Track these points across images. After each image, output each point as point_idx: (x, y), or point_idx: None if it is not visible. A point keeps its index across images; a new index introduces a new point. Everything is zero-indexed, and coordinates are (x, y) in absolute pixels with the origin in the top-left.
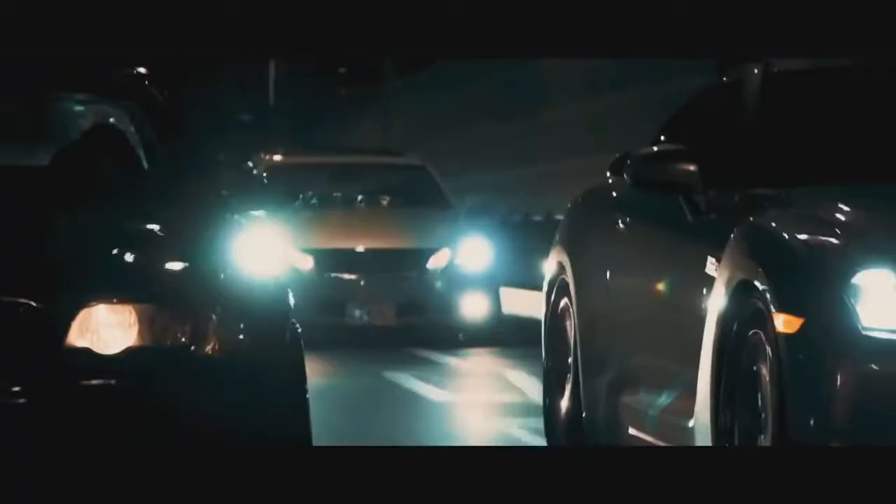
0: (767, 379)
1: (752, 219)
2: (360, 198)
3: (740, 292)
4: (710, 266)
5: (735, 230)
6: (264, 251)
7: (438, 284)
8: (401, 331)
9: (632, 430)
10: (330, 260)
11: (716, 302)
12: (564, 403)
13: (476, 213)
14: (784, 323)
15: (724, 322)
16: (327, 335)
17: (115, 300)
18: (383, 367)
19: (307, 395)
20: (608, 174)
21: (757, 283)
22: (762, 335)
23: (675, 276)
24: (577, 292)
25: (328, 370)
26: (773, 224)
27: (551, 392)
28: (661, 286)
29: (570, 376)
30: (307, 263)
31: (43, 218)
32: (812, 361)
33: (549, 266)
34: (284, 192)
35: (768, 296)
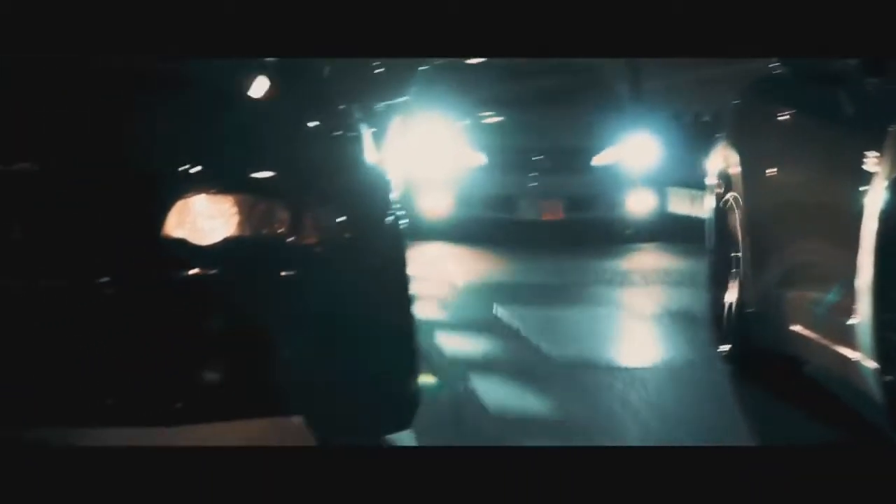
0: None
1: None
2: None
3: None
4: (871, 160)
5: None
6: (434, 148)
7: (606, 181)
8: (569, 226)
9: (795, 327)
10: (501, 157)
11: (876, 198)
12: (728, 298)
13: (645, 112)
14: None
15: (884, 219)
16: (496, 230)
17: (212, 190)
18: (552, 261)
19: (409, 286)
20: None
21: None
22: None
23: (836, 170)
24: (742, 186)
25: (496, 264)
26: None
27: (716, 286)
28: (822, 181)
29: (734, 271)
30: (479, 160)
31: (142, 108)
32: None
33: (714, 159)
34: (454, 90)
35: None
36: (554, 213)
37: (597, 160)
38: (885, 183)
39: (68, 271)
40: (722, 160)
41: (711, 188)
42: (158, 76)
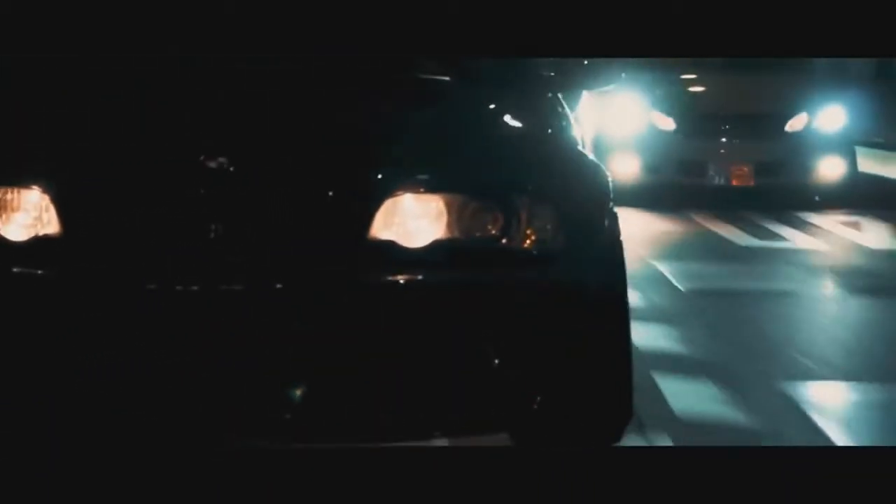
0: None
1: None
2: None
3: None
4: None
5: None
6: (626, 114)
7: (796, 147)
8: (759, 191)
9: None
10: (692, 122)
11: None
12: None
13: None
14: None
15: None
16: (688, 194)
17: (422, 189)
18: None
19: (625, 287)
20: None
21: None
22: None
23: None
24: None
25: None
26: None
27: None
28: None
29: None
30: (669, 125)
31: (348, 100)
32: None
33: None
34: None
35: None
36: (744, 179)
37: (788, 126)
38: None
39: (273, 274)
40: None
41: None
42: (365, 74)
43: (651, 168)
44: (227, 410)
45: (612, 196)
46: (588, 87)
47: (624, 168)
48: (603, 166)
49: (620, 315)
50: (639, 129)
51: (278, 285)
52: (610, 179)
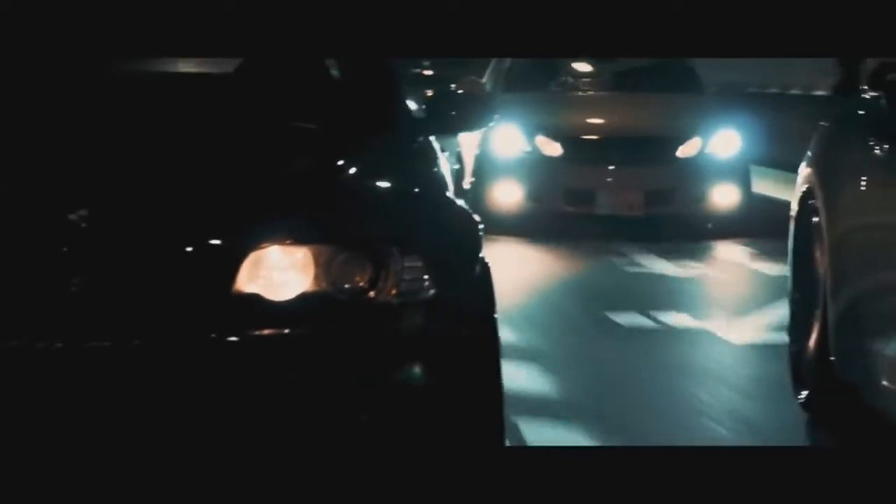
0: None
1: None
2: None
3: None
4: None
5: None
6: (509, 138)
7: (688, 174)
8: (648, 220)
9: (886, 383)
10: (579, 147)
11: None
12: (812, 343)
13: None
14: None
15: None
16: (574, 224)
17: (288, 241)
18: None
19: (496, 339)
20: (865, 87)
21: None
22: None
23: None
24: (827, 221)
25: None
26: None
27: (798, 330)
28: None
29: (818, 312)
30: (555, 150)
31: (212, 149)
32: None
33: (798, 187)
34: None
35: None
36: (633, 208)
37: (680, 152)
38: None
39: (132, 332)
40: (805, 189)
41: (795, 219)
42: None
43: (535, 196)
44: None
45: (482, 245)
46: (460, 131)
47: (506, 196)
48: (472, 214)
49: (491, 367)
50: (522, 153)
51: (137, 342)
52: (481, 229)
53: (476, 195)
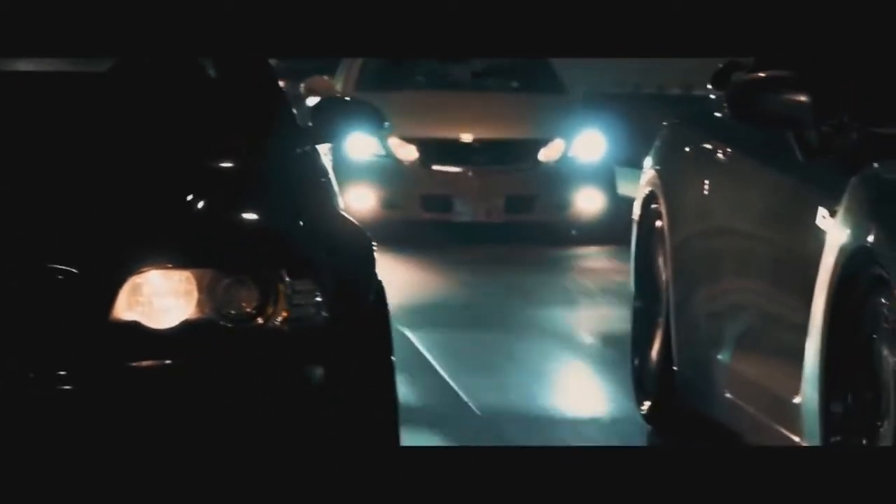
0: (890, 359)
1: (874, 165)
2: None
3: (858, 255)
4: (822, 218)
5: (853, 178)
6: (362, 140)
7: (551, 178)
8: (510, 228)
9: (729, 395)
10: (436, 151)
11: (828, 261)
12: (653, 350)
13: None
14: None
15: (837, 285)
16: (432, 232)
17: (169, 265)
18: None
19: (393, 364)
20: (710, 86)
21: (878, 249)
22: (885, 309)
23: (781, 224)
24: (670, 226)
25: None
26: None
27: (639, 334)
28: (764, 234)
29: (660, 319)
30: (411, 153)
31: (85, 169)
32: None
33: (640, 192)
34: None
35: (890, 266)
36: (493, 214)
37: (542, 155)
38: (837, 248)
39: (4, 364)
40: (647, 194)
41: (638, 223)
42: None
43: (389, 203)
44: None
45: (375, 265)
46: (347, 136)
47: (358, 203)
48: (366, 233)
49: (389, 394)
50: (375, 157)
51: (10, 374)
52: (374, 246)
53: None
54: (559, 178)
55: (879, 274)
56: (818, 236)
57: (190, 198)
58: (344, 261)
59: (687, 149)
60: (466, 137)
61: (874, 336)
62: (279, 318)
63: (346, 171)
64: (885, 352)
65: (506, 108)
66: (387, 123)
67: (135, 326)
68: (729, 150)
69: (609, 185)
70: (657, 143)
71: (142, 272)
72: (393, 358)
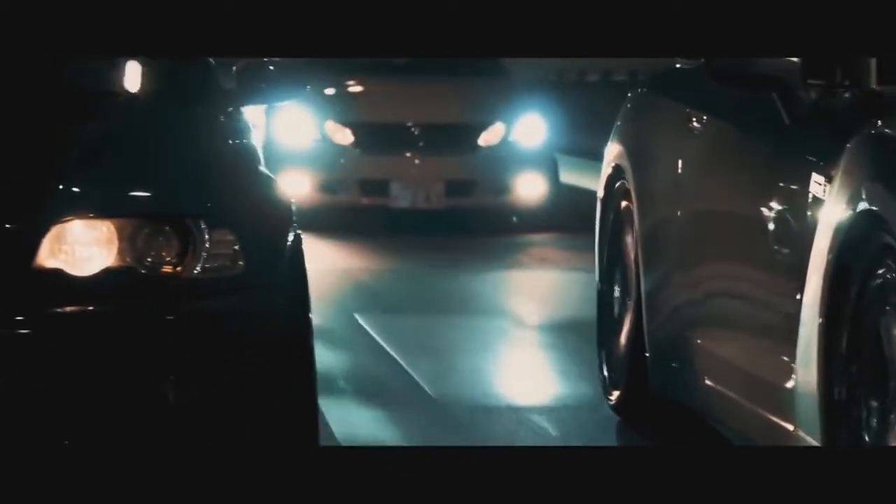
0: None
1: (876, 122)
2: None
3: (861, 222)
4: (817, 185)
5: (853, 138)
6: (298, 124)
7: (491, 163)
8: (449, 213)
9: (710, 382)
10: (373, 135)
11: (825, 231)
12: (622, 336)
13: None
14: None
15: (836, 257)
16: (369, 218)
17: (91, 214)
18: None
19: (308, 314)
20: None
21: (886, 214)
22: (893, 279)
23: (769, 195)
24: (639, 204)
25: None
26: None
27: (606, 319)
28: (749, 206)
29: (630, 303)
30: (347, 137)
31: (9, 119)
32: None
33: (605, 168)
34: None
35: None
36: (432, 200)
37: (482, 139)
38: (836, 217)
39: None
40: (613, 170)
41: (602, 203)
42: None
43: (327, 187)
44: None
45: (294, 216)
46: (271, 101)
47: (296, 187)
48: (283, 187)
49: (304, 343)
50: (312, 141)
51: None
52: (293, 201)
53: None
54: (499, 163)
55: (887, 242)
56: (812, 206)
57: (111, 149)
58: (262, 213)
59: (657, 118)
60: (404, 121)
61: (881, 311)
62: (198, 268)
63: (283, 156)
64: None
65: (444, 91)
66: (308, 87)
67: (57, 273)
68: (705, 117)
69: (551, 170)
70: (623, 113)
71: (65, 221)
72: (311, 315)
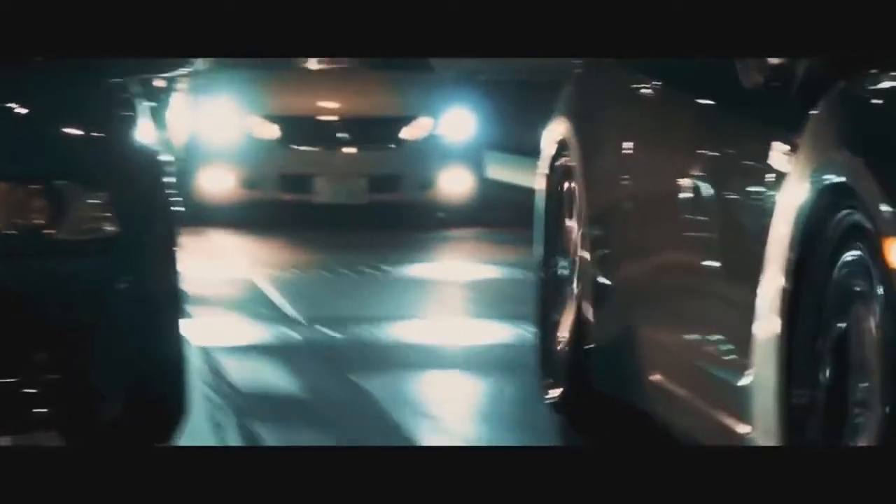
0: (875, 329)
1: (847, 85)
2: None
3: (828, 196)
4: (779, 156)
5: (820, 102)
6: (221, 119)
7: (416, 157)
8: (373, 209)
9: (656, 377)
10: (296, 129)
11: (787, 208)
12: (562, 328)
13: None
14: None
15: (800, 238)
16: (291, 213)
17: None
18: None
19: (178, 279)
20: None
21: (858, 187)
22: (866, 263)
23: (725, 168)
24: (585, 182)
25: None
26: (881, 95)
27: (546, 311)
28: (703, 181)
29: (573, 293)
30: (271, 132)
31: None
32: None
33: (547, 145)
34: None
35: (878, 208)
36: (356, 195)
37: (407, 133)
38: (801, 191)
39: None
40: (556, 146)
41: (544, 183)
42: None
43: (249, 182)
44: None
45: (166, 183)
46: (152, 72)
47: (218, 183)
48: (161, 155)
49: (174, 308)
50: (234, 135)
51: None
52: (166, 164)
53: (182, 181)
54: (425, 158)
55: (857, 220)
56: (773, 179)
57: None
58: (133, 175)
59: (605, 90)
60: (327, 115)
61: (850, 303)
62: (71, 231)
63: (205, 151)
64: (868, 320)
65: (368, 85)
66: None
67: None
68: (658, 85)
69: (477, 163)
70: (568, 86)
71: None
72: (180, 279)
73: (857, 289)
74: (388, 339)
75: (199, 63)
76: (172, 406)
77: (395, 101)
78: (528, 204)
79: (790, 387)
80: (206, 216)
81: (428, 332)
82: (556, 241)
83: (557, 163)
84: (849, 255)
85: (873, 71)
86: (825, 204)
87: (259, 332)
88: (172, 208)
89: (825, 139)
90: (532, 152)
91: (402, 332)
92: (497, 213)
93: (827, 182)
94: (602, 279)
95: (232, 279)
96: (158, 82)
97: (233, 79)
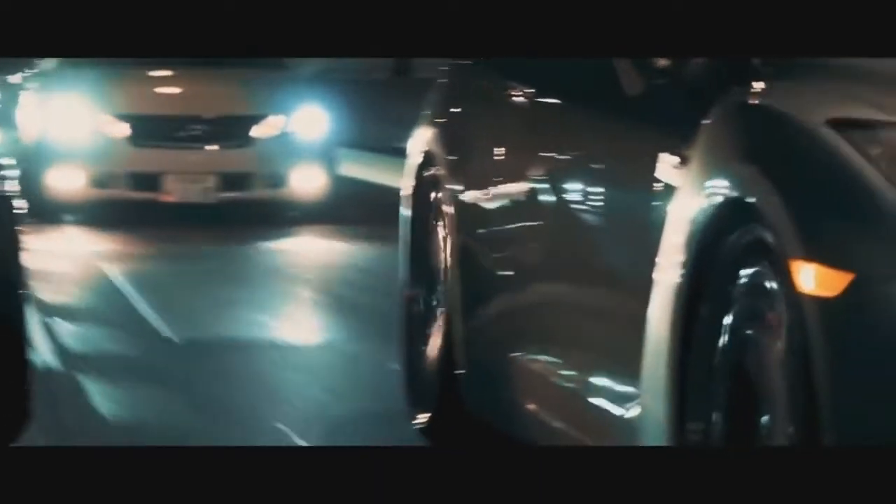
0: (779, 356)
1: (745, 90)
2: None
3: (725, 212)
4: (667, 167)
5: (714, 111)
6: (71, 117)
7: (267, 155)
8: (223, 207)
9: (532, 406)
10: (145, 127)
11: (677, 225)
12: (429, 350)
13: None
14: (816, 278)
15: (692, 257)
16: (141, 212)
17: None
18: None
19: (21, 282)
20: None
21: (759, 202)
22: (766, 285)
23: (609, 182)
24: (452, 196)
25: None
26: (783, 101)
27: (412, 332)
28: (581, 198)
29: (441, 313)
30: (121, 130)
31: None
32: (868, 343)
33: (412, 156)
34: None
35: (781, 226)
36: (205, 194)
37: (257, 131)
38: (694, 205)
39: None
40: (422, 157)
41: (411, 195)
42: None
43: (99, 181)
44: None
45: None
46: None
47: (67, 182)
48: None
49: (16, 314)
50: (82, 132)
51: None
52: (7, 168)
53: (29, 179)
54: (276, 155)
55: (760, 236)
56: (661, 195)
57: None
58: None
59: (475, 97)
60: (177, 113)
61: (748, 323)
62: None
63: (55, 149)
64: (771, 343)
65: (218, 82)
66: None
67: None
68: (532, 91)
69: (330, 162)
70: (434, 93)
71: None
72: (22, 272)
73: (758, 310)
74: (237, 334)
75: (49, 62)
76: (16, 410)
77: (246, 99)
78: (381, 200)
79: (682, 420)
80: (56, 215)
81: (278, 329)
82: (422, 257)
83: (424, 174)
84: (748, 274)
85: (770, 75)
86: (722, 220)
87: (114, 336)
88: (14, 210)
89: (721, 151)
90: (384, 149)
91: (252, 328)
92: (349, 211)
93: (723, 196)
94: (472, 299)
95: (83, 278)
96: (10, 79)
97: (83, 77)
